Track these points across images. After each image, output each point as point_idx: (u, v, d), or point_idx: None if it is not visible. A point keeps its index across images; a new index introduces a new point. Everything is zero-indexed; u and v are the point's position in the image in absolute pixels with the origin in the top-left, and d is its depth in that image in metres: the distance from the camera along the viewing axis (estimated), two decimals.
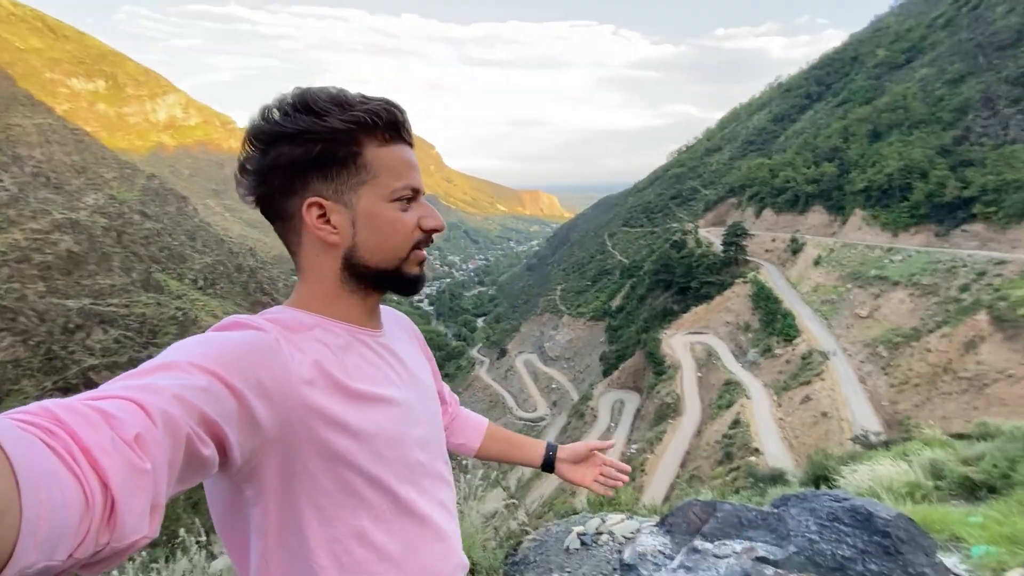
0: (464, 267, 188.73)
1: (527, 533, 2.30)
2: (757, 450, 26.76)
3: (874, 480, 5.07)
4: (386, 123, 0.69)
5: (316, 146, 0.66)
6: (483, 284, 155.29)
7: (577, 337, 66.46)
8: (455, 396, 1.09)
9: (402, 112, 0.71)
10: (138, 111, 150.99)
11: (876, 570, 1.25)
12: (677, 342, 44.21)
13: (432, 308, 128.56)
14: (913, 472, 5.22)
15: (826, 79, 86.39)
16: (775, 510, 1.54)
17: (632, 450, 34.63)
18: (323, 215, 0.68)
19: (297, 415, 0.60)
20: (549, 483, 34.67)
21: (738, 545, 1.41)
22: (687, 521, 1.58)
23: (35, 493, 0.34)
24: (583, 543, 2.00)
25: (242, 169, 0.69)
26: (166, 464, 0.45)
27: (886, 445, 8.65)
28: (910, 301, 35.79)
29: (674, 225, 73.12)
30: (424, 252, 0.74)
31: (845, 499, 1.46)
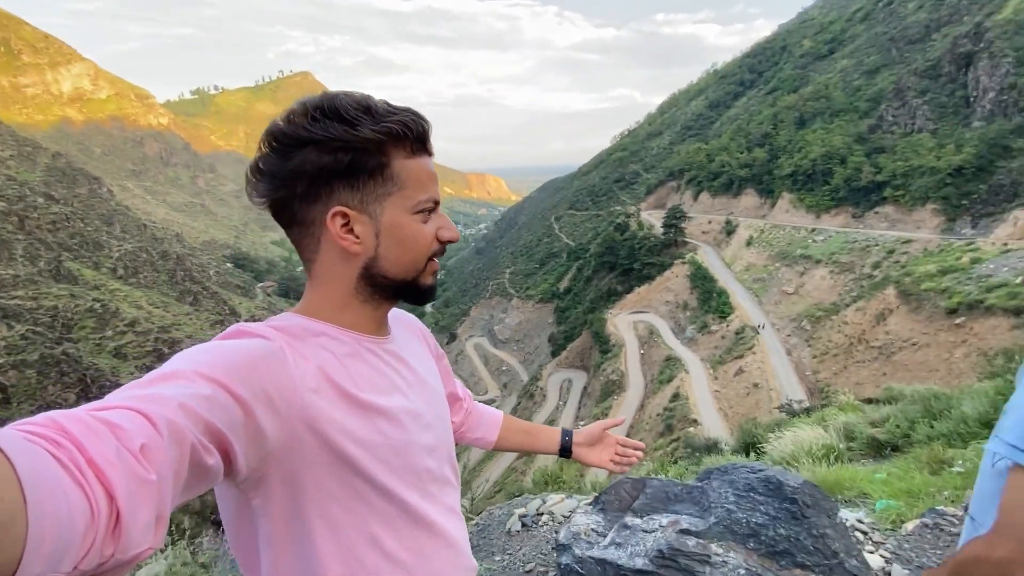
0: None
1: (470, 519, 2.33)
2: (695, 421, 28.30)
3: (796, 445, 5.50)
4: (416, 135, 0.69)
5: (347, 155, 0.65)
6: None
7: (526, 319, 67.25)
8: (468, 391, 1.08)
9: (428, 124, 0.71)
10: (37, 81, 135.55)
11: (785, 534, 1.36)
12: (621, 321, 45.72)
13: None
14: (829, 436, 5.70)
15: (758, 67, 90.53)
16: (699, 484, 1.64)
17: (579, 426, 35.61)
18: (346, 224, 0.67)
19: (303, 424, 0.60)
20: (499, 464, 35.25)
21: (665, 519, 1.49)
22: (619, 499, 1.66)
23: (41, 504, 0.34)
24: (524, 525, 2.05)
25: (256, 170, 0.67)
26: (171, 475, 0.45)
27: (807, 412, 9.42)
28: (830, 278, 38.75)
29: (617, 208, 74.93)
30: (438, 262, 0.75)
31: (760, 470, 1.58)
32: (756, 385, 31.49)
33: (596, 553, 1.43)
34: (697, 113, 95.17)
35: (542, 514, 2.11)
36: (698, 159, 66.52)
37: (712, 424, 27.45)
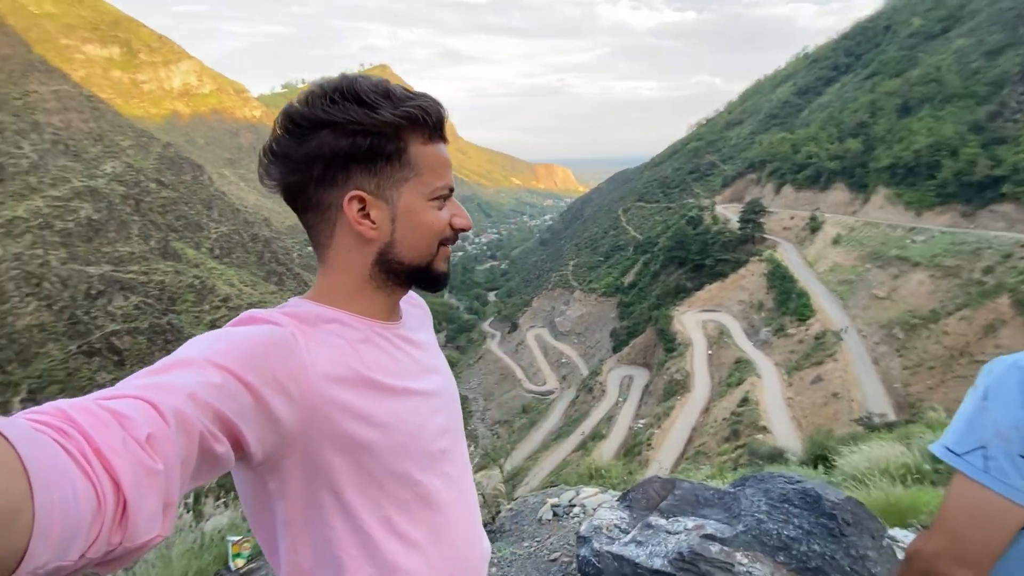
0: (477, 241, 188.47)
1: (504, 504, 2.37)
2: (765, 428, 26.83)
3: (871, 461, 5.08)
4: (434, 122, 0.69)
5: (365, 139, 0.65)
6: (495, 258, 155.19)
7: (588, 312, 66.49)
8: None
9: (445, 110, 0.71)
10: (152, 78, 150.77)
11: (819, 550, 1.27)
12: (689, 319, 44.03)
13: None
14: (911, 455, 5.21)
15: (856, 49, 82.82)
16: (732, 490, 1.57)
17: (639, 424, 35.00)
18: (363, 209, 0.67)
19: (317, 409, 0.60)
20: (556, 455, 35.35)
21: (690, 522, 1.44)
22: (647, 497, 1.62)
23: (48, 494, 0.35)
24: (555, 514, 2.06)
25: (271, 152, 0.66)
26: (179, 463, 0.45)
27: (889, 427, 8.65)
28: (930, 282, 35.02)
29: (690, 201, 71.84)
30: (450, 249, 0.75)
31: (798, 481, 1.48)
32: (836, 395, 29.27)
33: (615, 549, 1.41)
34: (783, 100, 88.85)
35: (574, 506, 2.11)
36: (782, 149, 62.17)
37: (784, 433, 25.89)
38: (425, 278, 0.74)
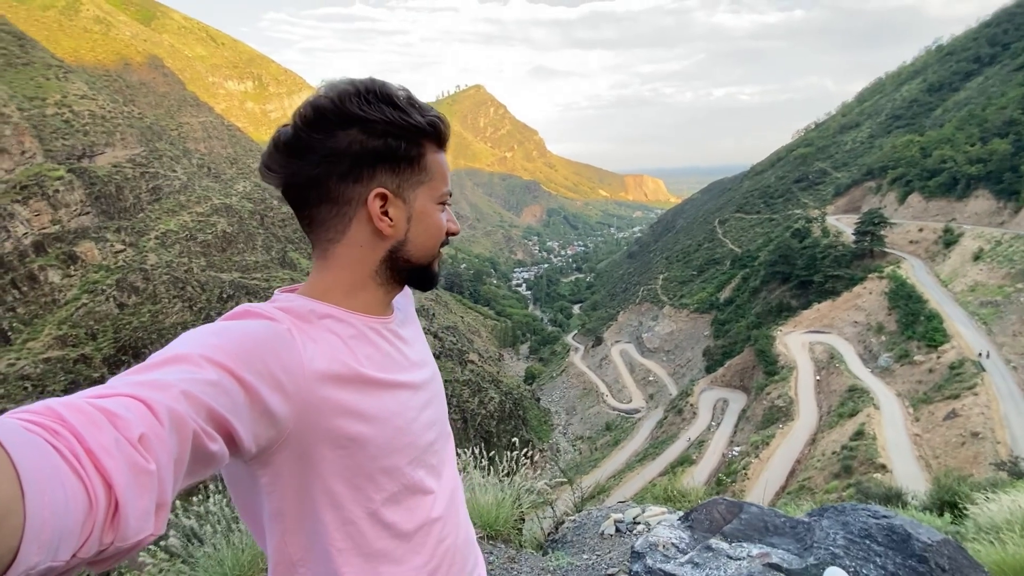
0: (562, 253, 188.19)
1: (568, 515, 2.35)
2: (883, 467, 23.81)
3: (1012, 513, 4.34)
4: (446, 131, 0.73)
5: (396, 141, 0.67)
6: (580, 271, 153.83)
7: (679, 329, 63.49)
8: None
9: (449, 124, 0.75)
10: (278, 107, 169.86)
11: None
12: (793, 341, 40.48)
13: (529, 293, 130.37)
14: None
15: (1002, 38, 71.97)
16: (807, 520, 1.42)
17: (734, 452, 32.64)
18: (383, 206, 0.69)
19: (311, 405, 0.61)
20: (643, 476, 33.95)
21: (755, 549, 1.32)
22: (710, 519, 1.51)
23: (39, 495, 0.34)
24: (618, 530, 2.00)
25: (290, 144, 0.67)
26: (171, 462, 0.45)
27: None
28: None
29: (797, 212, 66.39)
30: (443, 252, 0.78)
31: (885, 516, 1.30)
32: (976, 434, 25.20)
33: (669, 568, 1.33)
34: (910, 99, 79.48)
35: (638, 523, 2.03)
36: (909, 154, 55.47)
37: (907, 473, 22.76)
38: (423, 277, 0.76)
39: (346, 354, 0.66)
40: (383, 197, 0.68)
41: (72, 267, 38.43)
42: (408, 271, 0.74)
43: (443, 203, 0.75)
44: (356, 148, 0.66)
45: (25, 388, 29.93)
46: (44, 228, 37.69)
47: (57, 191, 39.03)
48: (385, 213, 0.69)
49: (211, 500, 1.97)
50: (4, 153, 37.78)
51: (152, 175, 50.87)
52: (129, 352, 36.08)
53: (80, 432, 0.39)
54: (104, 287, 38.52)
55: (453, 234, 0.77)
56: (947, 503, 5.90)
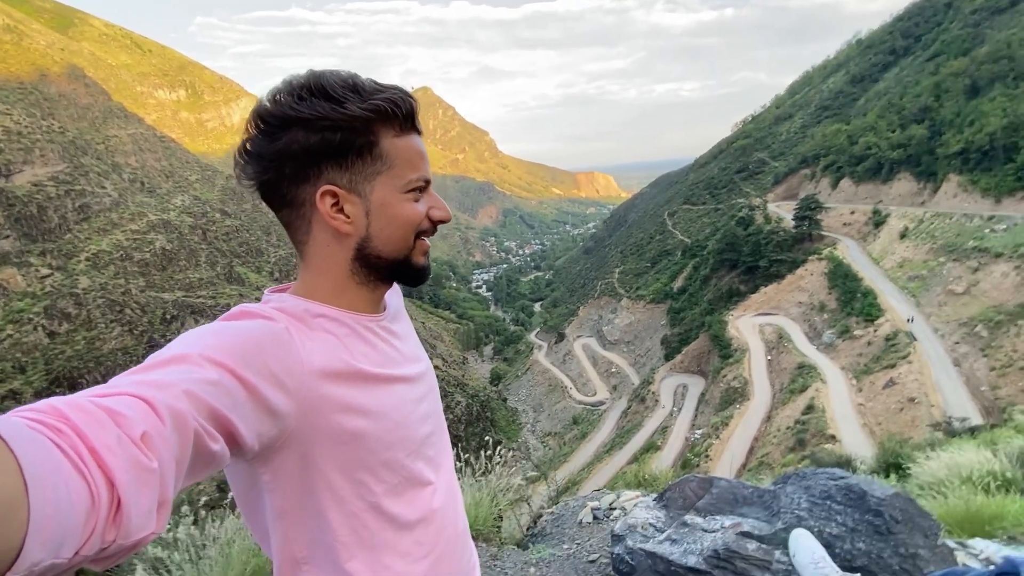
0: (520, 252, 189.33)
1: (545, 509, 2.38)
2: (833, 437, 25.26)
3: (949, 468, 4.71)
4: (404, 113, 0.68)
5: (335, 134, 0.64)
6: (539, 269, 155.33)
7: (637, 320, 65.12)
8: None
9: (415, 101, 0.71)
10: (215, 116, 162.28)
11: (864, 548, 1.19)
12: (744, 324, 42.27)
13: (490, 294, 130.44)
14: (999, 461, 4.79)
15: (914, 31, 77.90)
16: (772, 488, 1.51)
17: (696, 435, 33.76)
18: (336, 204, 0.67)
19: (311, 403, 0.61)
20: (611, 467, 34.59)
21: (727, 520, 1.39)
22: (683, 496, 1.58)
23: (43, 492, 0.35)
24: (595, 517, 2.05)
25: (244, 152, 0.67)
26: (173, 461, 0.45)
27: (972, 432, 7.92)
28: (1015, 275, 32.02)
29: (740, 201, 69.39)
30: (428, 242, 0.75)
31: (842, 477, 1.40)
32: (913, 400, 27.13)
33: (649, 546, 1.38)
34: (836, 90, 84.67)
35: (614, 508, 2.09)
36: (838, 142, 59.06)
37: (854, 441, 24.22)
38: (405, 272, 0.74)
39: (343, 351, 0.67)
40: (332, 195, 0.66)
41: None
42: (385, 267, 0.72)
43: (415, 190, 0.71)
44: (296, 148, 0.64)
45: None
46: None
47: None
48: (341, 210, 0.67)
49: (180, 528, 1.89)
50: None
51: (78, 193, 47.50)
52: (64, 383, 33.56)
53: (83, 430, 0.39)
54: (31, 315, 35.66)
55: (440, 221, 0.74)
56: (892, 465, 6.34)
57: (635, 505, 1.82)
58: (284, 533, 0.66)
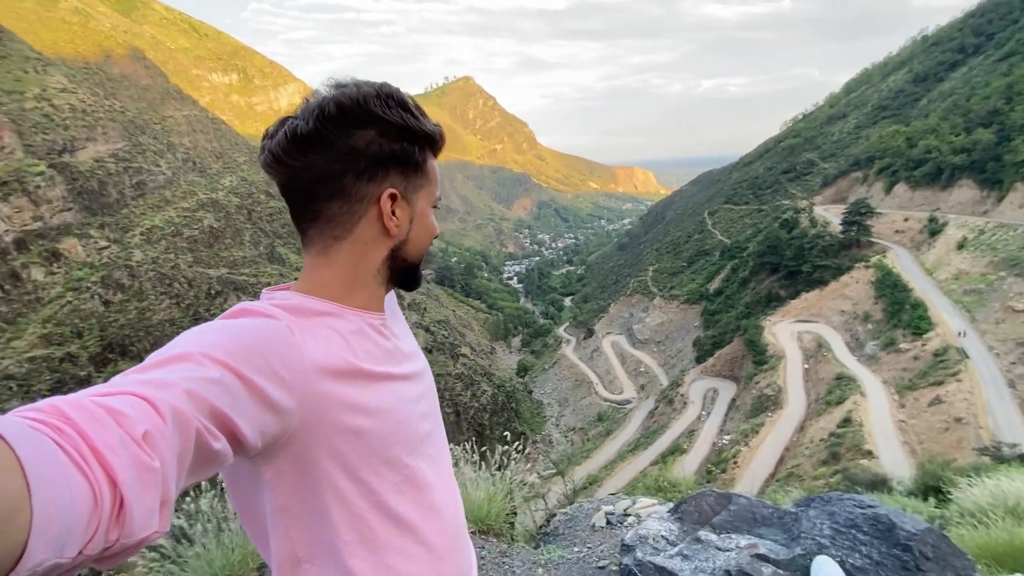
0: (553, 245, 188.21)
1: (560, 508, 2.36)
2: (870, 453, 24.26)
3: (994, 496, 4.44)
4: (443, 140, 0.77)
5: (412, 146, 0.71)
6: (572, 263, 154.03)
7: (669, 320, 63.92)
8: None
9: None
10: (263, 100, 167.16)
11: None
12: (782, 330, 40.92)
13: (521, 286, 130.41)
14: None
15: (986, 28, 72.69)
16: (794, 510, 1.44)
17: (724, 441, 33.04)
18: (392, 206, 0.71)
19: (313, 401, 0.62)
20: (634, 466, 34.28)
21: (743, 540, 1.34)
22: (699, 510, 1.53)
23: (45, 492, 0.35)
24: (609, 522, 2.02)
25: (306, 136, 0.67)
26: (175, 460, 0.45)
27: (1022, 459, 7.43)
28: None
29: (785, 202, 66.85)
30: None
31: (870, 506, 1.32)
32: (960, 420, 25.71)
33: (659, 560, 1.34)
34: (896, 90, 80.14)
35: (629, 515, 2.05)
36: (895, 144, 55.99)
37: (892, 459, 23.19)
38: (413, 277, 0.79)
39: (345, 350, 0.67)
40: (393, 197, 0.71)
41: (55, 264, 37.70)
42: (403, 270, 0.77)
43: (435, 206, 0.79)
44: (375, 149, 0.68)
45: (10, 388, 29.44)
46: (26, 225, 36.91)
47: (38, 187, 38.19)
48: (393, 213, 0.71)
49: (202, 499, 1.96)
50: None
51: (136, 170, 49.94)
52: (116, 350, 35.58)
53: (85, 430, 0.39)
54: (89, 284, 37.86)
55: (435, 237, 0.81)
56: (932, 488, 6.02)
57: (649, 514, 1.77)
58: (285, 532, 0.66)
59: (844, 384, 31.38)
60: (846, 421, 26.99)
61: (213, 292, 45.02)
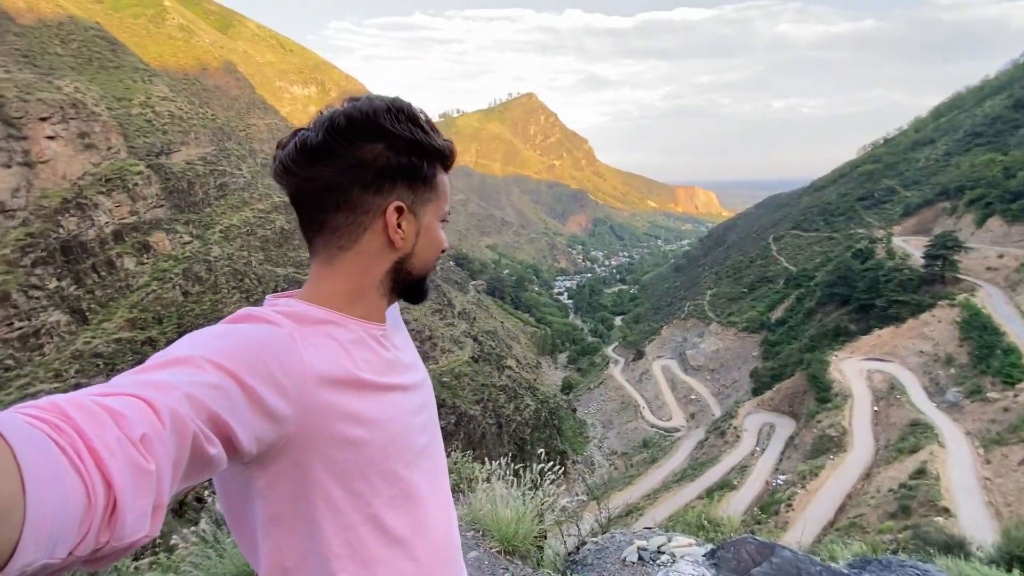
0: (606, 263, 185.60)
1: (592, 536, 2.27)
2: (947, 510, 22.03)
3: None
4: (455, 156, 0.78)
5: (421, 160, 0.72)
6: (624, 282, 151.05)
7: (725, 348, 61.22)
8: None
9: None
10: None
11: None
12: (850, 367, 38.21)
13: (571, 302, 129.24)
14: None
15: None
16: (846, 571, 1.30)
17: (779, 480, 31.04)
18: (398, 219, 0.72)
19: (312, 409, 0.61)
20: (680, 497, 32.80)
21: None
22: (738, 558, 1.41)
23: (40, 491, 0.34)
24: (640, 558, 1.91)
25: (316, 147, 0.68)
26: (171, 464, 0.45)
27: None
28: None
29: (860, 231, 62.81)
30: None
31: None
32: None
33: None
34: (993, 115, 73.70)
35: (663, 552, 1.93)
36: (990, 173, 51.45)
37: (973, 520, 20.92)
38: (418, 290, 0.78)
39: (345, 359, 0.67)
40: (399, 210, 0.71)
41: (145, 255, 41.38)
42: (408, 283, 0.76)
43: (443, 220, 0.79)
44: (382, 162, 0.69)
45: (97, 365, 32.35)
46: (123, 218, 40.80)
47: (136, 184, 42.19)
48: (399, 226, 0.72)
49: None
50: (93, 148, 41.24)
51: (220, 172, 54.08)
52: None
53: (83, 429, 0.39)
54: (172, 275, 41.19)
55: (444, 251, 0.80)
56: (1017, 558, 5.35)
57: (684, 555, 1.67)
58: (275, 541, 0.65)
59: (920, 432, 28.79)
60: (920, 472, 24.71)
61: (280, 289, 47.62)
